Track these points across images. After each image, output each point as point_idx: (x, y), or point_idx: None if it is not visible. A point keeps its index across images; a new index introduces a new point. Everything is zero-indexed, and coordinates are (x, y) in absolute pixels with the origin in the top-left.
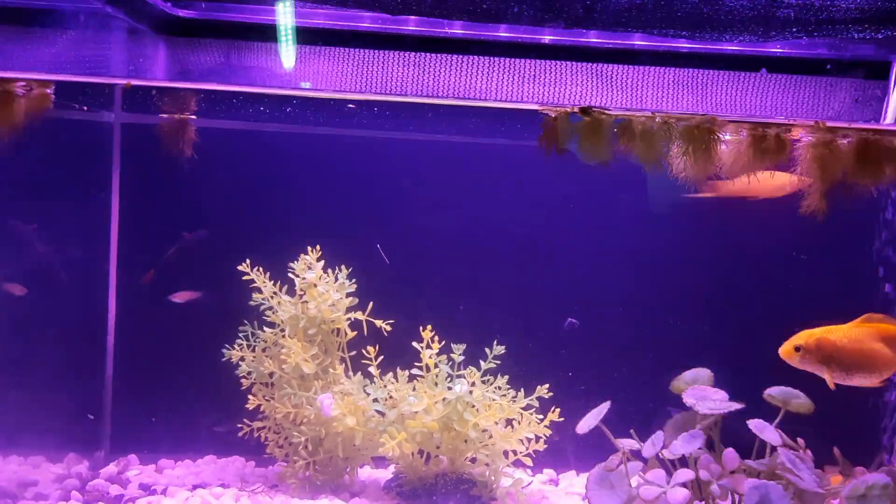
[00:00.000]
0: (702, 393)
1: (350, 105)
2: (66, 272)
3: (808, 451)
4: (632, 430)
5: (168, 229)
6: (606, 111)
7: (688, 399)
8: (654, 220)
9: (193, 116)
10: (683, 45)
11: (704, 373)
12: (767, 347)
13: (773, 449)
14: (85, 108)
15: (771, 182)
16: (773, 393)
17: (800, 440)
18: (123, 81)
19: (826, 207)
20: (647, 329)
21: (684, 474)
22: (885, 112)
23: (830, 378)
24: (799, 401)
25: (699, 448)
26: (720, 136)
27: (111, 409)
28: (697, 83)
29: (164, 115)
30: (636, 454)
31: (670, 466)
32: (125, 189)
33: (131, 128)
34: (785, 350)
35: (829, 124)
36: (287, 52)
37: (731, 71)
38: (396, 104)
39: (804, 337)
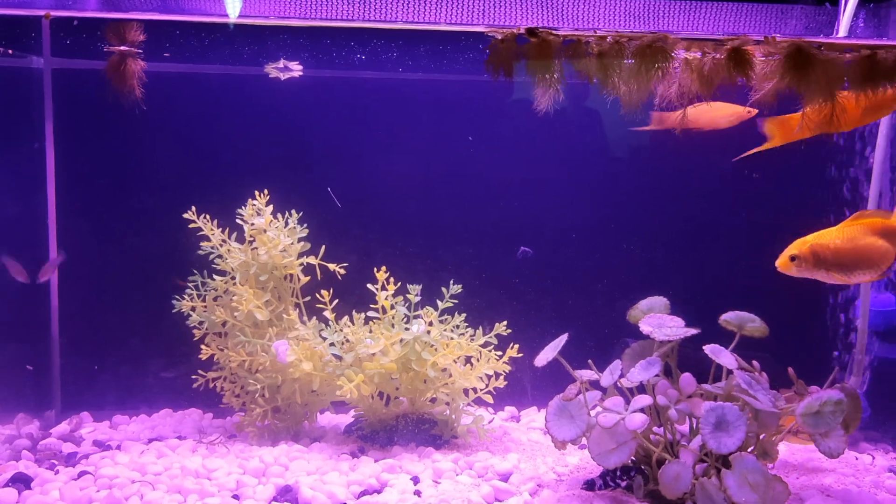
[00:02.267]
0: (658, 321)
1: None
2: (1, 229)
3: (764, 374)
4: (590, 361)
5: (109, 179)
6: (554, 31)
7: (644, 327)
8: (605, 152)
9: (137, 50)
10: None
11: (660, 301)
12: (721, 274)
13: (730, 373)
14: (10, 51)
15: (719, 112)
16: (728, 318)
17: (755, 363)
18: (43, 13)
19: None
20: (602, 259)
21: (642, 400)
22: (837, 29)
23: (836, 280)
24: (754, 325)
25: (656, 375)
26: (673, 54)
27: (60, 367)
28: (650, 14)
29: (109, 49)
30: (595, 385)
31: (629, 395)
32: (60, 138)
33: (63, 73)
34: (781, 262)
35: (780, 38)
36: None
37: (683, 0)
38: (341, 37)
39: (797, 246)
